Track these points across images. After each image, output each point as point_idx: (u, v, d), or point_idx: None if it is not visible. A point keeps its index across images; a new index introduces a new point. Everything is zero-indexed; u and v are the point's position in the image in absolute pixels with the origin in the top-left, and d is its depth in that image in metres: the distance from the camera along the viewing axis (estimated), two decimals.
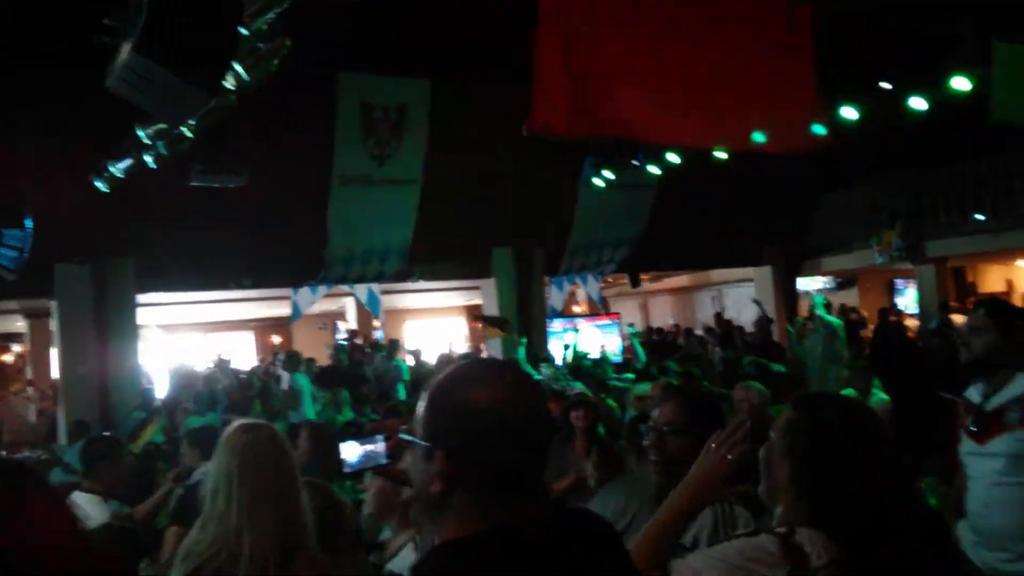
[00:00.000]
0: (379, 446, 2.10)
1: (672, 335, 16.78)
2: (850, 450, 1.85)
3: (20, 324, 14.15)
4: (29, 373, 14.74)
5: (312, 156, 10.50)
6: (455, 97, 10.60)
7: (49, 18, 7.93)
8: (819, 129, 7.16)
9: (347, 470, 2.15)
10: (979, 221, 13.64)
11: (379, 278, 12.01)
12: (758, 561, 1.76)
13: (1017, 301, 15.21)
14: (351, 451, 2.11)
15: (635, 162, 10.81)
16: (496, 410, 1.41)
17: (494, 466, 1.40)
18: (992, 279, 17.25)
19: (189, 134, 7.58)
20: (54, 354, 11.57)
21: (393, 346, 13.38)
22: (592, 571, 1.44)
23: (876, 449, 1.88)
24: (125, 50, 3.76)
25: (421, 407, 1.49)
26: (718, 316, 16.69)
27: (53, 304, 10.73)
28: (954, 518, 3.44)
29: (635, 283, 15.26)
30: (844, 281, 17.93)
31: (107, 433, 7.00)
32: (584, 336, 13.51)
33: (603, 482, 3.85)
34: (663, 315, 22.07)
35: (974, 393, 3.45)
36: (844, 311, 14.63)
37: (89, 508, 3.70)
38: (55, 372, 11.81)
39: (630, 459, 4.34)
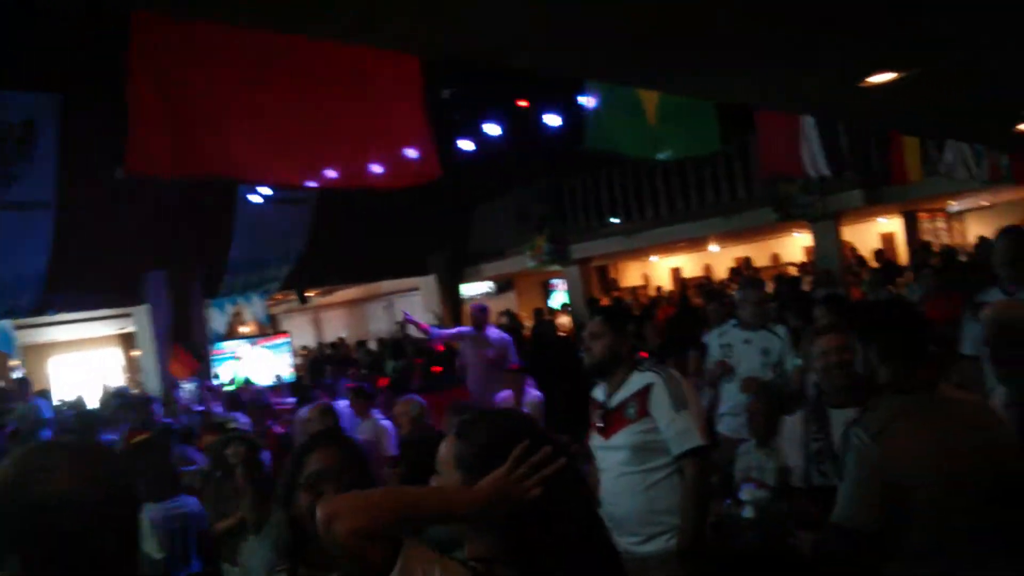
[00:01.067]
0: None
1: (345, 348, 16.78)
2: None
3: None
4: None
5: None
6: (94, 113, 9.82)
7: None
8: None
9: None
10: (614, 224, 15.14)
11: (12, 313, 10.80)
12: None
13: (652, 292, 17.10)
14: None
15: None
16: (71, 498, 1.32)
17: (68, 561, 1.32)
18: (631, 274, 19.24)
19: None
20: None
21: (24, 386, 12.01)
22: None
23: None
24: None
25: None
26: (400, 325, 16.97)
27: None
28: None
29: (303, 299, 15.11)
30: (503, 285, 19.02)
31: None
32: (252, 360, 13.10)
33: (261, 524, 3.72)
34: (336, 329, 22.02)
35: (599, 392, 3.81)
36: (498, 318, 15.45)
37: None
38: None
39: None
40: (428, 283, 16.90)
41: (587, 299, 15.37)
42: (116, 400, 11.16)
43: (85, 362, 18.92)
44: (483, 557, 1.64)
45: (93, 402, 12.05)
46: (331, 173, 6.19)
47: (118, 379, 16.04)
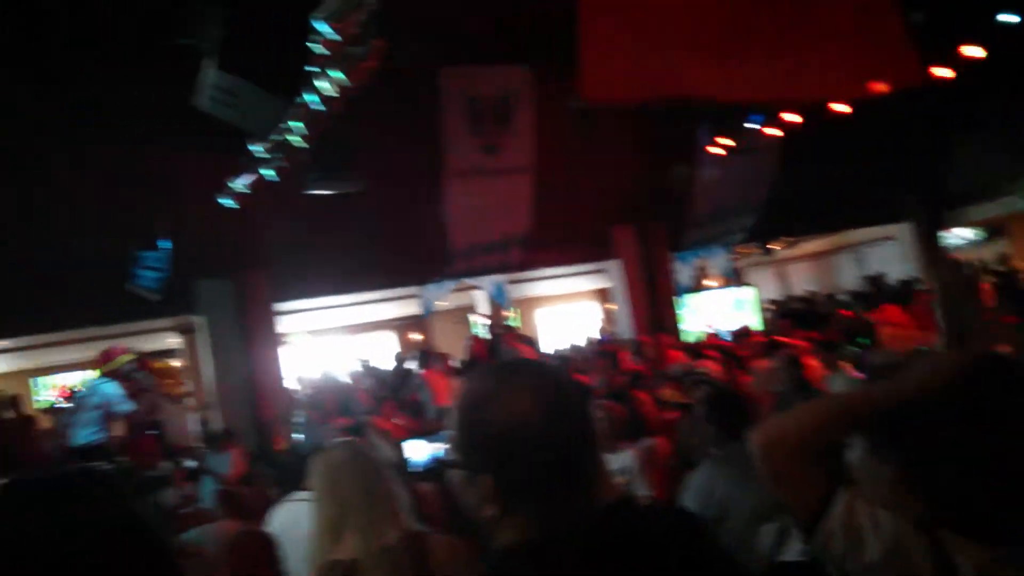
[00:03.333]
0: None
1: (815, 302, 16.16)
2: None
3: (172, 340, 15.04)
4: (189, 386, 15.65)
5: (425, 152, 10.68)
6: (560, 79, 10.54)
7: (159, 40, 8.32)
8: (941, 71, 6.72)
9: (411, 469, 2.18)
10: None
11: (502, 270, 12.08)
12: None
13: None
14: (418, 450, 2.12)
15: (752, 125, 10.43)
16: (525, 425, 1.35)
17: (539, 480, 1.36)
18: None
19: (303, 144, 7.84)
20: (205, 366, 12.23)
21: (516, 336, 13.45)
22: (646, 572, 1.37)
23: None
24: (209, 68, 3.92)
25: (453, 429, 1.45)
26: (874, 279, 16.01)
27: (199, 319, 11.33)
28: None
29: (766, 251, 14.77)
30: (992, 231, 16.80)
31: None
32: (717, 313, 13.23)
33: None
34: (802, 282, 21.28)
35: None
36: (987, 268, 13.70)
37: None
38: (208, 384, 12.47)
39: None
40: (903, 231, 15.49)
41: None
42: (591, 349, 12.01)
43: (567, 314, 20.63)
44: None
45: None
46: (797, 84, 5.73)
47: (595, 330, 17.17)
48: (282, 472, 4.85)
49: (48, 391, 19.36)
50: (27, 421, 11.76)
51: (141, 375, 9.22)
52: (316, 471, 2.65)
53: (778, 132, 10.67)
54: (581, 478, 1.40)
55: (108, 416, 8.37)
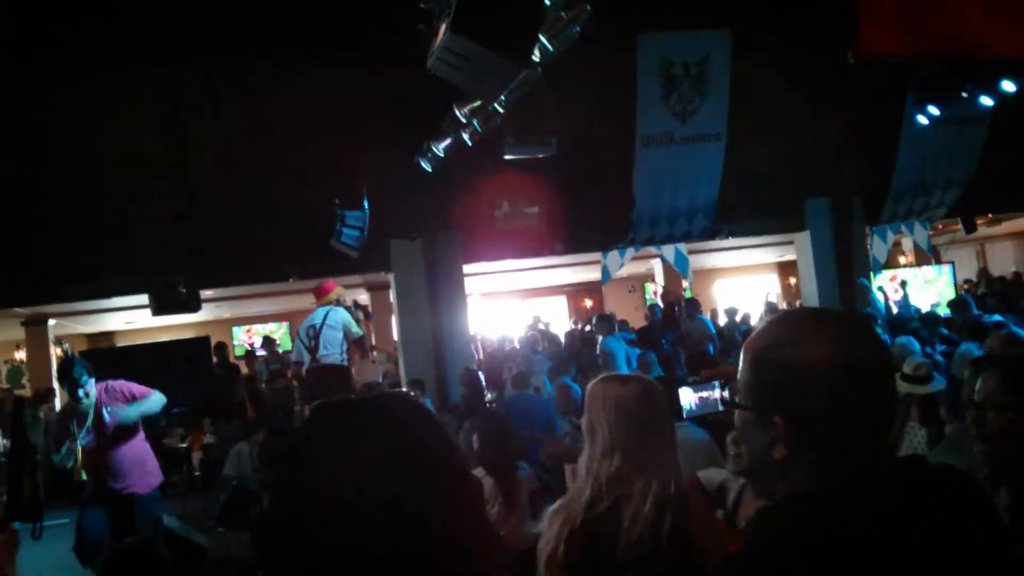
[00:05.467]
0: (714, 393, 2.10)
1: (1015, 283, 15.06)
2: None
3: (363, 296, 15.72)
4: (373, 339, 16.37)
5: (615, 119, 10.62)
6: (756, 45, 10.22)
7: (367, 13, 8.64)
8: None
9: (684, 416, 2.18)
10: None
11: (686, 237, 11.90)
12: None
13: None
14: (687, 397, 2.14)
15: (964, 94, 9.76)
16: (829, 368, 1.33)
17: (837, 425, 1.34)
18: None
19: (500, 109, 7.98)
20: (394, 321, 12.74)
21: (692, 305, 13.24)
22: (942, 528, 1.33)
23: None
24: (441, 31, 4.03)
25: (744, 371, 1.44)
26: None
27: (391, 276, 11.79)
28: None
29: (970, 228, 13.83)
30: None
31: None
32: (910, 290, 12.55)
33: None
34: (1004, 263, 19.87)
35: None
36: None
37: None
38: (396, 337, 13.00)
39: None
40: None
41: None
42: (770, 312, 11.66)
43: (745, 287, 20.16)
44: None
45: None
46: None
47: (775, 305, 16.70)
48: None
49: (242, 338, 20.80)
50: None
51: (355, 308, 9.56)
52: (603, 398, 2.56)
53: (990, 102, 9.95)
54: (876, 430, 1.38)
55: (347, 339, 8.60)
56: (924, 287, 14.24)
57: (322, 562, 1.13)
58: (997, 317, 8.84)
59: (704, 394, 2.09)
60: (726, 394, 1.76)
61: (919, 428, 4.77)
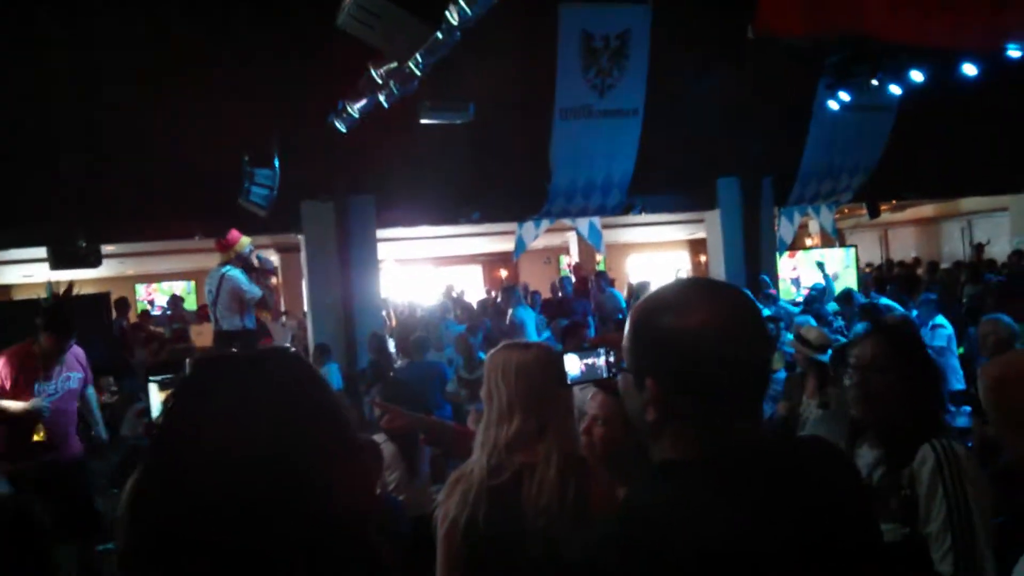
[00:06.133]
0: (600, 360, 2.10)
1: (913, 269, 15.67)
2: None
3: (273, 258, 15.41)
4: (283, 303, 16.09)
5: (534, 89, 10.57)
6: (676, 22, 10.27)
7: None
8: None
9: (568, 382, 2.18)
10: None
11: (600, 212, 11.97)
12: None
13: None
14: (573, 364, 2.13)
15: (874, 82, 10.03)
16: (701, 334, 1.35)
17: (706, 391, 1.35)
18: None
19: (417, 72, 7.83)
20: (304, 284, 12.52)
21: (603, 278, 13.42)
22: (809, 498, 1.35)
23: None
24: None
25: (626, 335, 1.46)
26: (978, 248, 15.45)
27: (301, 238, 11.56)
28: None
29: (874, 213, 14.29)
30: None
31: None
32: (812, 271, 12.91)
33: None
34: (905, 248, 20.65)
35: None
36: None
37: None
38: (305, 301, 12.80)
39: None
40: (1019, 202, 14.82)
41: None
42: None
43: (656, 263, 20.48)
44: None
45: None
46: (979, 37, 5.41)
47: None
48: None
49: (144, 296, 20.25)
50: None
51: (262, 258, 9.37)
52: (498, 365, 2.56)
53: (898, 91, 10.26)
54: (747, 399, 1.39)
55: (242, 303, 8.44)
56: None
57: (193, 513, 1.10)
58: (885, 300, 9.26)
59: (589, 360, 2.09)
60: (611, 359, 1.77)
61: (812, 403, 4.92)
